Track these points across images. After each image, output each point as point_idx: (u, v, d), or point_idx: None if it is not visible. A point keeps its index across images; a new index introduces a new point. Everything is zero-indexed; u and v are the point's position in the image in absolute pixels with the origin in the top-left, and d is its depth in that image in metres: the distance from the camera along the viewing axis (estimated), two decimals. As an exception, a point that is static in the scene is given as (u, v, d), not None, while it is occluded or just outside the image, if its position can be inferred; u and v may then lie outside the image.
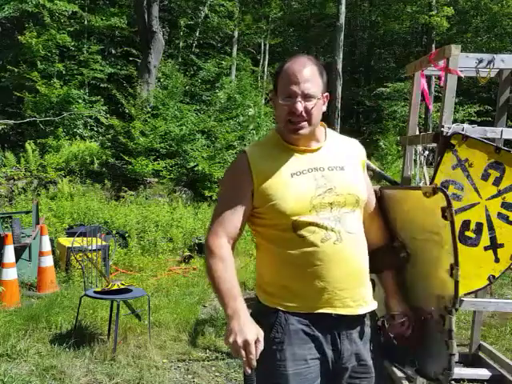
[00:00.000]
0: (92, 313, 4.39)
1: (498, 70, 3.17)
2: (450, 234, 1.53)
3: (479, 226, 2.50)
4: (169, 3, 16.57)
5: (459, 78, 2.62)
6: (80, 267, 4.73)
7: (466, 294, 2.55)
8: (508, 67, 2.99)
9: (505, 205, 2.50)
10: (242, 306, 1.46)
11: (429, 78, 10.67)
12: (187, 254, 7.03)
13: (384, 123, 17.11)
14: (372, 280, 1.69)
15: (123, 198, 9.36)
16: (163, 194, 10.03)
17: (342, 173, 1.61)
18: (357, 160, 1.71)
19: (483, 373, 3.42)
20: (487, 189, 2.50)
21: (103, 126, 12.47)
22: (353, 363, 1.59)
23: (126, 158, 10.40)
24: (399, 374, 3.14)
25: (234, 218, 1.59)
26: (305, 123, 1.56)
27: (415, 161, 3.17)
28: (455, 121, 3.20)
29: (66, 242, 5.95)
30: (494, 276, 2.51)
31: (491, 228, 2.50)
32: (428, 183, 2.91)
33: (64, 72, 12.74)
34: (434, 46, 16.72)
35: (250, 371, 1.39)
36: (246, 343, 1.38)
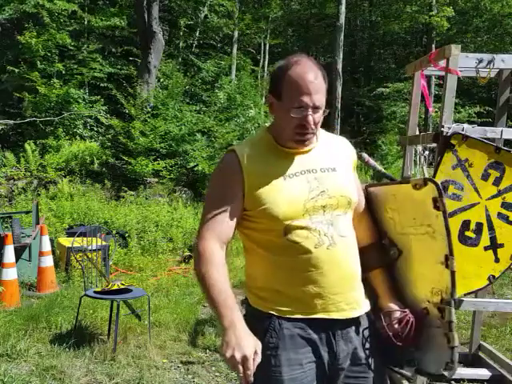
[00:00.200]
0: (92, 313, 4.39)
1: (497, 70, 3.17)
2: (443, 224, 1.52)
3: (479, 226, 2.50)
4: (169, 3, 16.57)
5: (459, 78, 2.62)
6: (80, 267, 4.73)
7: (465, 294, 2.55)
8: (508, 67, 2.99)
9: (505, 205, 2.50)
10: (238, 317, 1.40)
11: (429, 78, 10.68)
12: (187, 254, 7.02)
13: (384, 123, 17.11)
14: (364, 280, 1.66)
15: (123, 197, 9.34)
16: (163, 194, 10.02)
17: (334, 174, 1.58)
18: (349, 160, 1.67)
19: (483, 373, 3.41)
20: (487, 189, 2.50)
21: (103, 126, 12.47)
22: (349, 363, 1.57)
23: (126, 158, 10.38)
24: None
25: (226, 220, 1.52)
26: (312, 135, 1.53)
27: (415, 161, 3.16)
28: (457, 121, 3.20)
29: (65, 241, 5.95)
30: (493, 276, 2.51)
31: (491, 228, 2.50)
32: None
33: (64, 72, 12.73)
34: (434, 46, 16.68)
35: None
36: (244, 359, 1.33)
